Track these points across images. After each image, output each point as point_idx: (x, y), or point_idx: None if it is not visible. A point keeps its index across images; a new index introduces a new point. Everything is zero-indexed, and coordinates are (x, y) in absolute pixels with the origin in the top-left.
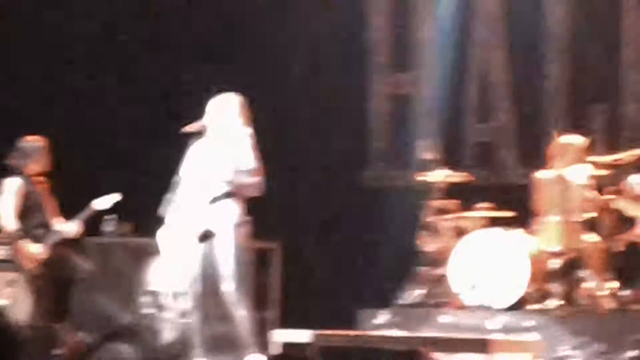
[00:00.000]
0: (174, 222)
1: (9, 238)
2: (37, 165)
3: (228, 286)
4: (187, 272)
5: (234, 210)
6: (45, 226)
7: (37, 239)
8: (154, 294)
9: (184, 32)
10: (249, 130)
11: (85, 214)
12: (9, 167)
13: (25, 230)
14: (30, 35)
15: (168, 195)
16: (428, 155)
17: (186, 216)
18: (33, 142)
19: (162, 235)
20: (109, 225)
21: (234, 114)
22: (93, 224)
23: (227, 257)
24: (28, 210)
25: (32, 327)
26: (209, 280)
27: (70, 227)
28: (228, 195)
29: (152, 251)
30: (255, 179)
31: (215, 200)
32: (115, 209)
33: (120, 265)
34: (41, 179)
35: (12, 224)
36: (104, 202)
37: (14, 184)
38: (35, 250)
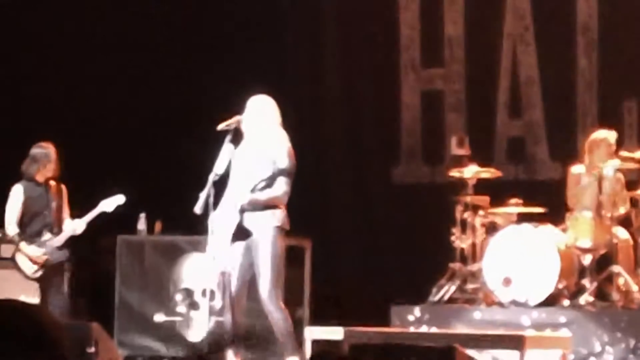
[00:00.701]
0: (214, 219)
1: (11, 242)
2: (46, 171)
3: (264, 286)
4: (222, 270)
5: (272, 212)
6: (50, 231)
7: (38, 244)
8: (187, 291)
9: (213, 27)
10: (286, 143)
11: (91, 214)
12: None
13: (25, 235)
14: (48, 36)
15: (201, 193)
16: (459, 151)
17: (225, 215)
18: (42, 148)
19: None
20: (141, 224)
21: (271, 116)
22: (126, 223)
23: (265, 257)
24: (30, 216)
25: (65, 325)
26: (245, 279)
27: (73, 227)
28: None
29: (183, 249)
30: (278, 192)
31: (252, 202)
32: (146, 207)
33: (153, 263)
34: (53, 183)
35: (12, 229)
36: (110, 203)
37: (16, 191)
38: (35, 253)
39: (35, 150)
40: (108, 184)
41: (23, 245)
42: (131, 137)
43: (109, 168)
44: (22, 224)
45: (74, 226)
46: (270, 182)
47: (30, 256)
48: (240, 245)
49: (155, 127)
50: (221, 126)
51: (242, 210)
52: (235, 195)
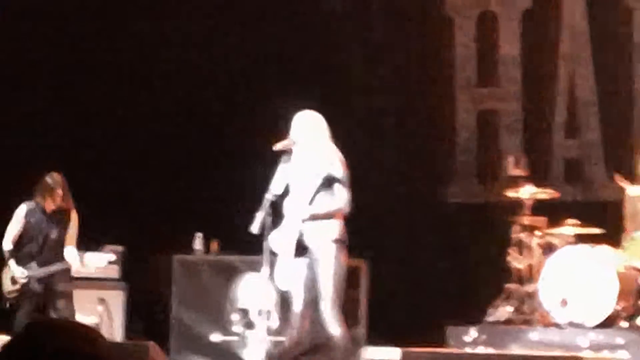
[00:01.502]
0: (273, 239)
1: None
2: (51, 200)
3: (325, 305)
4: (280, 290)
5: (332, 226)
6: (38, 260)
7: (24, 267)
8: (243, 311)
9: (264, 48)
10: (339, 156)
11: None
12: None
13: (19, 254)
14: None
15: (258, 213)
16: (516, 171)
17: (284, 233)
18: (51, 178)
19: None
20: (197, 244)
21: (321, 131)
22: (182, 242)
23: (325, 275)
24: (27, 238)
25: (122, 345)
26: (309, 298)
27: (62, 264)
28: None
29: (240, 269)
30: (338, 205)
31: (311, 218)
32: (202, 226)
33: (209, 283)
34: (61, 214)
35: (6, 245)
36: (99, 259)
37: (19, 210)
38: (17, 274)
39: (45, 178)
40: (165, 204)
41: (11, 262)
42: (187, 157)
43: (167, 188)
44: (19, 243)
45: (63, 264)
46: (328, 194)
47: (14, 276)
48: (302, 263)
49: (212, 147)
50: (277, 146)
51: (302, 225)
52: (293, 211)
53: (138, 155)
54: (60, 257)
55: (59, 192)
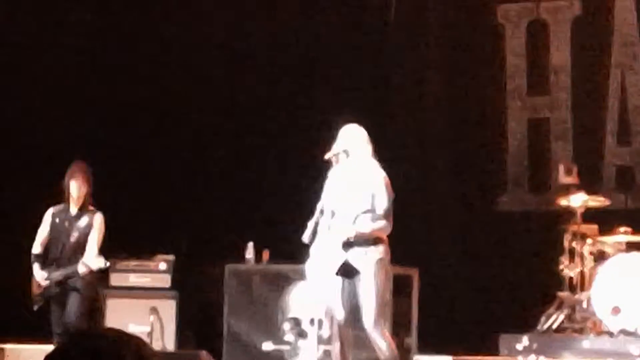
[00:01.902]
0: (318, 250)
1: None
2: (74, 201)
3: (368, 321)
4: (328, 300)
5: (375, 245)
6: (58, 263)
7: (47, 271)
8: (295, 320)
9: (317, 55)
10: (382, 173)
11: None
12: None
13: (43, 258)
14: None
15: (309, 222)
16: (567, 179)
17: (329, 246)
18: (72, 178)
19: (310, 264)
20: (248, 253)
21: (366, 146)
22: (233, 252)
23: (368, 292)
24: (51, 240)
25: (174, 354)
26: (349, 311)
27: (70, 269)
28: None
29: (291, 278)
30: (382, 224)
31: (354, 238)
32: (253, 235)
33: (261, 292)
34: (85, 213)
35: (35, 249)
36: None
37: (46, 213)
38: (39, 278)
39: (66, 179)
40: (217, 214)
41: (35, 266)
42: (239, 167)
43: (219, 198)
44: (47, 247)
45: (75, 267)
46: (372, 214)
47: (36, 280)
48: (344, 278)
49: (263, 157)
50: (328, 155)
51: (347, 245)
52: (336, 227)
53: (190, 165)
54: (77, 260)
55: (79, 193)
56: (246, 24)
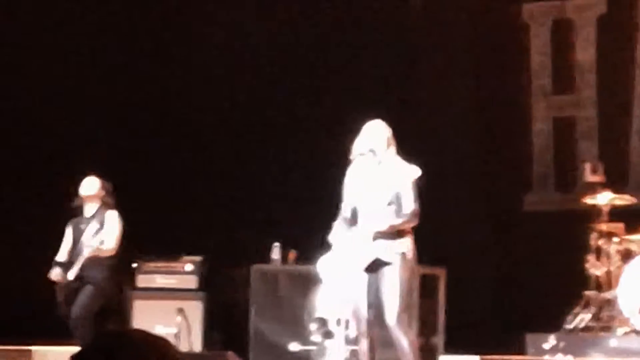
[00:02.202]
0: (341, 249)
1: None
2: (85, 204)
3: (391, 317)
4: (353, 300)
5: (400, 240)
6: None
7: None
8: (321, 321)
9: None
10: (416, 169)
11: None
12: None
13: (65, 264)
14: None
15: (335, 222)
16: (593, 178)
17: (353, 244)
18: (85, 183)
19: (325, 263)
20: (275, 253)
21: (391, 142)
22: (260, 252)
23: (392, 288)
24: (72, 248)
25: (201, 355)
26: (375, 308)
27: (79, 260)
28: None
29: (317, 278)
30: (410, 217)
31: (379, 234)
32: (279, 236)
33: (287, 292)
34: (98, 216)
35: (59, 256)
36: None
37: (67, 225)
38: (56, 277)
39: (81, 185)
40: (243, 215)
41: (55, 270)
42: (265, 167)
43: (245, 198)
44: (71, 256)
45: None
46: (398, 208)
47: (56, 282)
48: (369, 275)
49: (289, 158)
50: (354, 154)
51: (372, 240)
52: (361, 226)
53: (216, 166)
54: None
55: (91, 200)
56: (267, 5)
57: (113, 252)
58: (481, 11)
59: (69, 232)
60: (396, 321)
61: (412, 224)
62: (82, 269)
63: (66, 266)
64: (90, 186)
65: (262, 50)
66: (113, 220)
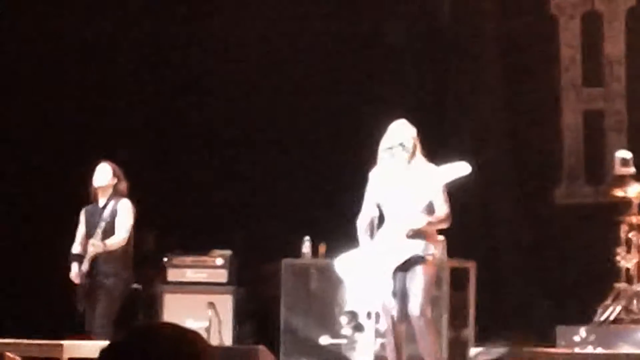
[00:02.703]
0: (366, 248)
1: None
2: (97, 191)
3: (415, 307)
4: (381, 293)
5: (433, 240)
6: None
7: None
8: (351, 314)
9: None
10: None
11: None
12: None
13: (81, 256)
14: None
15: (358, 221)
16: (623, 171)
17: (381, 243)
18: (97, 169)
19: (342, 262)
20: (305, 247)
21: (416, 141)
22: (290, 246)
23: (418, 280)
24: (87, 237)
25: (233, 349)
26: (401, 302)
27: (90, 249)
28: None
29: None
30: (445, 216)
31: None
32: (310, 230)
33: (317, 286)
34: (111, 204)
35: (74, 248)
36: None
37: (81, 213)
38: (72, 275)
39: (95, 171)
40: (274, 209)
41: (73, 266)
42: (295, 161)
43: (275, 192)
44: (85, 245)
45: (90, 245)
46: (430, 208)
47: (75, 280)
48: (398, 269)
49: (319, 152)
50: (385, 149)
51: (403, 237)
52: (393, 223)
53: (246, 160)
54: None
55: (104, 187)
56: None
57: (124, 243)
58: (510, 5)
59: (82, 221)
60: (420, 312)
61: (445, 225)
62: (93, 265)
63: (83, 260)
64: (103, 175)
65: (291, 43)
66: (125, 211)
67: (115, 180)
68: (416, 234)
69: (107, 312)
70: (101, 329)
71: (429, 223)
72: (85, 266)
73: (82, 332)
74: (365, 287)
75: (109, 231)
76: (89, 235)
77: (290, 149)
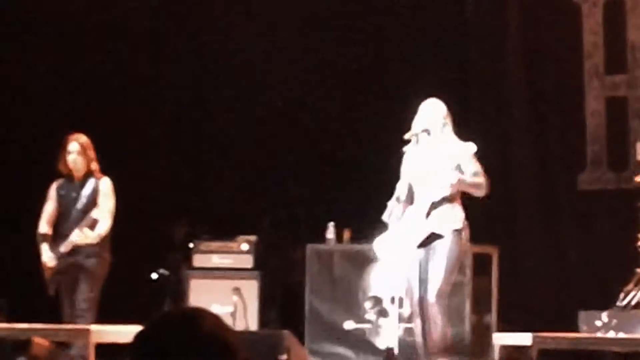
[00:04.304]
0: (396, 228)
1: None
2: (72, 165)
3: (432, 291)
4: (406, 278)
5: (454, 215)
6: (66, 235)
7: (55, 248)
8: (375, 299)
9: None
10: (473, 145)
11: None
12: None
13: (52, 236)
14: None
15: (390, 202)
16: None
17: (407, 222)
18: (67, 140)
19: (381, 243)
20: (329, 233)
21: (447, 119)
22: (315, 232)
23: (439, 262)
24: (60, 215)
25: (258, 333)
26: (425, 285)
27: (75, 237)
28: (448, 200)
29: (371, 257)
30: (481, 180)
31: (435, 205)
32: (334, 215)
33: (342, 271)
34: (91, 180)
35: (41, 227)
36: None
37: (51, 188)
38: (46, 258)
39: (67, 144)
40: (299, 194)
41: (43, 247)
42: (320, 147)
43: (300, 178)
44: (57, 224)
45: (74, 234)
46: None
47: (43, 260)
48: (421, 250)
49: (343, 137)
50: (408, 134)
51: (428, 214)
52: (420, 203)
53: (271, 146)
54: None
55: (78, 164)
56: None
57: (107, 232)
58: None
59: (52, 197)
60: (436, 296)
61: (481, 192)
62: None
63: (56, 242)
64: (77, 148)
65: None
66: (108, 192)
67: (92, 155)
68: (439, 210)
69: (90, 296)
70: (84, 313)
71: (461, 182)
72: (65, 248)
73: (54, 320)
74: (393, 269)
75: (89, 210)
76: (62, 213)
77: (317, 135)
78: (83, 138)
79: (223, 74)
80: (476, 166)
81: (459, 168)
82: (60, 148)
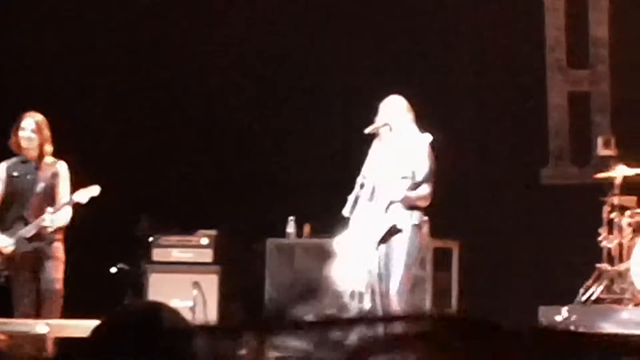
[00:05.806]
0: (356, 222)
1: None
2: (26, 144)
3: (393, 285)
4: (366, 272)
5: (413, 212)
6: (26, 218)
7: (9, 233)
8: (336, 294)
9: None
10: (428, 137)
11: (61, 206)
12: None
13: (5, 221)
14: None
15: (350, 196)
16: (606, 152)
17: (367, 217)
18: (22, 118)
19: (341, 238)
20: (290, 227)
21: (408, 115)
22: (275, 226)
23: (399, 257)
24: (12, 199)
25: (215, 329)
26: (385, 280)
27: (46, 219)
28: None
29: (332, 251)
30: (426, 192)
31: (394, 201)
32: (294, 210)
33: (302, 266)
34: (48, 161)
35: None
36: (83, 195)
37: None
38: (2, 244)
39: (21, 122)
40: (258, 189)
41: (3, 240)
42: (279, 141)
43: (260, 172)
44: (4, 207)
45: (46, 218)
46: (411, 182)
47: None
48: (382, 245)
49: (302, 132)
50: (369, 129)
51: (388, 209)
52: (378, 200)
53: (231, 141)
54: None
55: (32, 143)
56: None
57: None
58: None
59: (1, 179)
60: (397, 291)
61: (424, 204)
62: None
63: (6, 223)
64: (31, 127)
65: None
66: (67, 177)
67: (47, 135)
68: (398, 206)
69: (58, 278)
70: (53, 294)
71: (408, 198)
72: (29, 232)
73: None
74: (353, 264)
75: (48, 193)
76: (13, 195)
77: (276, 129)
78: (39, 116)
79: (185, 66)
80: (427, 166)
81: (412, 175)
82: (12, 126)
